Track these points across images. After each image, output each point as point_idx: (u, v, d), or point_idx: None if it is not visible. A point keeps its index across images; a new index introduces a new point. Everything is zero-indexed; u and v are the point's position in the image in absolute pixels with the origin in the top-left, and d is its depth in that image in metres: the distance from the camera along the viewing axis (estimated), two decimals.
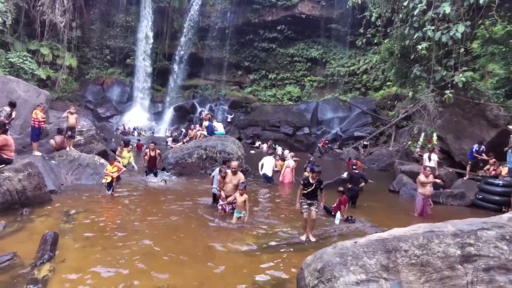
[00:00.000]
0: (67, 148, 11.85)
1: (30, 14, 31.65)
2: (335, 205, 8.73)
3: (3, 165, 7.32)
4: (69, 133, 12.07)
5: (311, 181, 6.93)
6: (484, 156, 13.18)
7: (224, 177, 8.19)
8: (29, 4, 31.40)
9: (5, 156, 7.45)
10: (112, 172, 9.48)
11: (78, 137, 13.26)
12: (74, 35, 35.04)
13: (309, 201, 6.93)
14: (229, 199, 7.96)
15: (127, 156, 12.77)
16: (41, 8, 31.19)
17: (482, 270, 3.33)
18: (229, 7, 38.73)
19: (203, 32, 39.64)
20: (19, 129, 13.03)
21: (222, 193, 8.09)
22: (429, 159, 13.25)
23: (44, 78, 31.46)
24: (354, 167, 11.33)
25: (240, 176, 8.10)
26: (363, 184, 10.70)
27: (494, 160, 12.79)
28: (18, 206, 7.17)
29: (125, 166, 12.65)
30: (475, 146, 13.52)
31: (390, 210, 10.74)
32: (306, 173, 7.11)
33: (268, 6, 37.10)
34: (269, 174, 13.64)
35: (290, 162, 14.39)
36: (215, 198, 8.91)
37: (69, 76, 35.28)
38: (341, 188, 9.12)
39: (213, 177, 9.16)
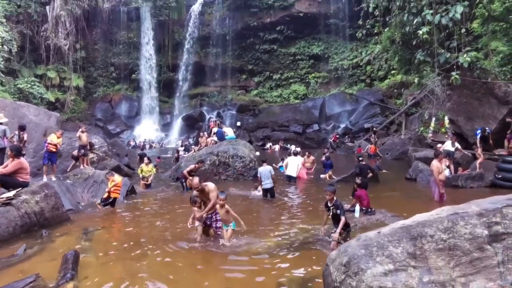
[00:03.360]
0: (81, 166, 12.03)
1: (35, 40, 32.37)
2: (354, 201, 8.44)
3: (20, 188, 7.40)
4: (82, 151, 12.27)
5: (328, 204, 6.41)
6: (477, 142, 13.38)
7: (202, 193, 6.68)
8: (33, 30, 32.13)
9: (21, 180, 7.54)
10: (110, 188, 9.29)
11: (91, 155, 13.47)
12: (79, 56, 35.60)
13: (334, 229, 6.19)
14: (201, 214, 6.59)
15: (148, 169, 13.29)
16: (45, 33, 31.87)
17: None
18: (227, 13, 38.81)
19: (204, 40, 39.75)
20: (33, 153, 13.24)
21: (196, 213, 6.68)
22: (453, 145, 13.14)
23: (53, 100, 31.94)
24: (360, 158, 11.65)
25: (210, 187, 6.65)
26: (370, 174, 10.91)
27: (478, 150, 12.95)
28: (37, 227, 7.22)
29: (149, 185, 12.82)
30: (478, 132, 13.58)
31: (409, 199, 10.53)
32: (327, 196, 6.47)
33: (266, 8, 37.05)
34: (294, 174, 13.36)
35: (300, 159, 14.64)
36: (266, 193, 10.49)
37: (77, 96, 35.76)
38: (358, 181, 8.61)
39: (260, 176, 10.59)
